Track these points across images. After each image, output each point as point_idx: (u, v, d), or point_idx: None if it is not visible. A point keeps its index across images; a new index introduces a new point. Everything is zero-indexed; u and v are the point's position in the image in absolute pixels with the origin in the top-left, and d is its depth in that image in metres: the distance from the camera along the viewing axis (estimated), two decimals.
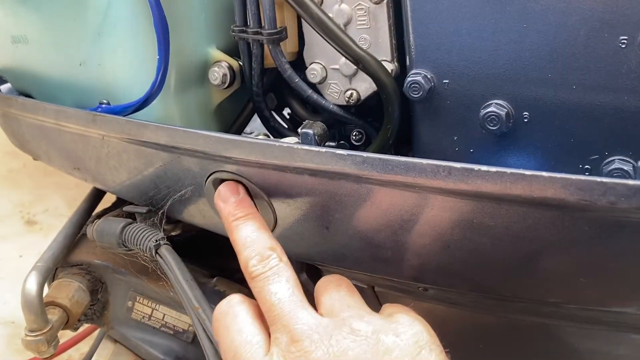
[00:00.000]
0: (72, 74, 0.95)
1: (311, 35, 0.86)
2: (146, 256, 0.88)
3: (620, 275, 0.65)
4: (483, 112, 0.74)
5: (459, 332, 1.00)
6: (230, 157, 0.75)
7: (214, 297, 1.08)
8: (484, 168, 0.59)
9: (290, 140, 0.83)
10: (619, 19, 0.64)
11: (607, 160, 0.71)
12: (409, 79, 0.76)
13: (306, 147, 0.68)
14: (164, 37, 0.82)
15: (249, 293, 1.05)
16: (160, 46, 0.83)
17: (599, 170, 0.71)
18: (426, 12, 0.74)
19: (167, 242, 0.89)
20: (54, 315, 0.97)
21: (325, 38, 0.77)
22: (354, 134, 0.92)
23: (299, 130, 0.81)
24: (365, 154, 0.65)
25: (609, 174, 0.69)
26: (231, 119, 1.00)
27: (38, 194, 2.18)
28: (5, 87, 1.28)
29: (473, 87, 0.75)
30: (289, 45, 0.88)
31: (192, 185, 0.85)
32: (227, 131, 1.00)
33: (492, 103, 0.74)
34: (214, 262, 1.15)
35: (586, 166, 0.73)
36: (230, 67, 0.90)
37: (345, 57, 0.78)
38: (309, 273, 1.03)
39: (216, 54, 0.92)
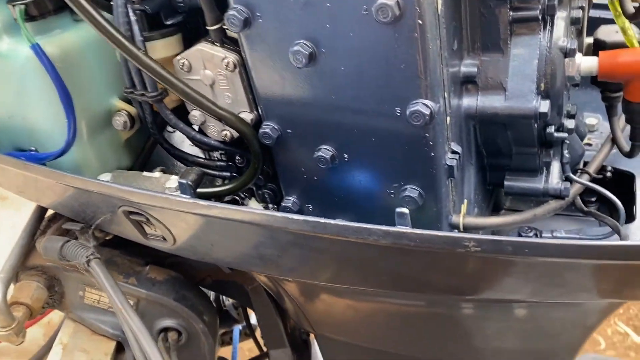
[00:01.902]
0: (7, 124, 1.15)
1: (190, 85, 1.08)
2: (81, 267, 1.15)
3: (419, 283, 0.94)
4: (315, 154, 0.99)
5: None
6: (126, 199, 1.00)
7: (147, 284, 1.36)
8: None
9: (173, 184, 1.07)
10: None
11: (402, 188, 0.97)
12: (261, 130, 1.00)
13: (174, 197, 0.93)
14: (67, 102, 1.04)
15: (178, 278, 1.34)
16: (67, 109, 1.05)
17: (399, 194, 0.98)
18: (264, 82, 0.96)
19: (97, 256, 1.15)
20: (19, 312, 1.24)
21: (191, 105, 1.00)
22: (237, 158, 1.16)
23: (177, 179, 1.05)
24: (220, 205, 0.90)
25: (403, 199, 0.96)
26: (140, 147, 1.23)
27: None
28: None
29: (307, 134, 0.99)
30: (174, 95, 1.10)
31: (109, 212, 1.10)
32: (136, 160, 1.23)
33: (321, 148, 0.99)
34: (147, 251, 1.42)
35: (390, 191, 0.99)
36: (129, 115, 1.12)
37: (210, 116, 1.01)
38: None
39: (118, 103, 1.14)
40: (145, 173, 1.11)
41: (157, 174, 1.10)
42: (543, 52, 0.94)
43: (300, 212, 1.10)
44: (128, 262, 1.37)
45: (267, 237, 0.96)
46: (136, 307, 1.36)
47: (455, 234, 0.97)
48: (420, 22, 0.79)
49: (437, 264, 0.90)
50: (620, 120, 1.16)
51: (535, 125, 0.99)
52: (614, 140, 1.17)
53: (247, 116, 1.04)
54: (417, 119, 0.86)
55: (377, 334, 1.36)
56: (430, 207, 0.97)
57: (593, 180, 1.14)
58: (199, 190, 1.10)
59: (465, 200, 1.03)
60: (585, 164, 1.20)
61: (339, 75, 0.89)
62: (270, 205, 1.22)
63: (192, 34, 1.08)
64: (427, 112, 0.85)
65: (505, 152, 1.08)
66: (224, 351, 2.15)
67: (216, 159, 1.20)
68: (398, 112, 0.89)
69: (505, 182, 1.11)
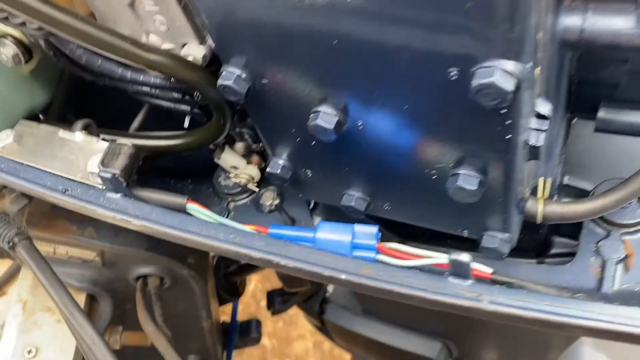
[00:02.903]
0: None
1: (100, 8, 0.66)
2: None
3: None
4: (310, 122, 0.61)
5: None
6: None
7: (108, 235, 1.07)
8: None
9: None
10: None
11: (452, 172, 0.61)
12: (220, 82, 0.61)
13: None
14: None
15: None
16: None
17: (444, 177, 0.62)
18: None
19: (24, 236, 0.84)
20: None
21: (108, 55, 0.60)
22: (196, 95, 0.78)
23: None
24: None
25: (452, 187, 0.60)
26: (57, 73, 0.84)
27: None
28: None
29: (295, 88, 0.61)
30: (79, 8, 0.68)
31: None
32: (56, 89, 0.85)
33: (319, 111, 0.60)
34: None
35: (432, 172, 0.63)
36: (19, 42, 0.72)
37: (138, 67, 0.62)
38: None
39: None
40: (61, 133, 0.74)
41: (77, 135, 0.73)
42: None
43: (295, 177, 0.75)
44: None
45: None
46: (101, 260, 1.10)
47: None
48: None
49: None
50: None
51: None
52: None
53: (196, 51, 0.64)
54: (490, 96, 0.47)
55: None
56: (493, 196, 0.62)
57: None
58: (141, 143, 0.76)
59: (543, 178, 0.67)
60: None
61: None
62: (253, 146, 0.87)
63: None
64: (509, 85, 0.46)
65: (607, 82, 0.69)
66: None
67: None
68: (454, 75, 0.49)
69: (600, 114, 0.73)
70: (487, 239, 0.68)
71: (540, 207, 0.64)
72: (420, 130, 0.58)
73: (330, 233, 0.66)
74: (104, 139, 0.71)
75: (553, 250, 0.85)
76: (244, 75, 0.61)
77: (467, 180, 0.59)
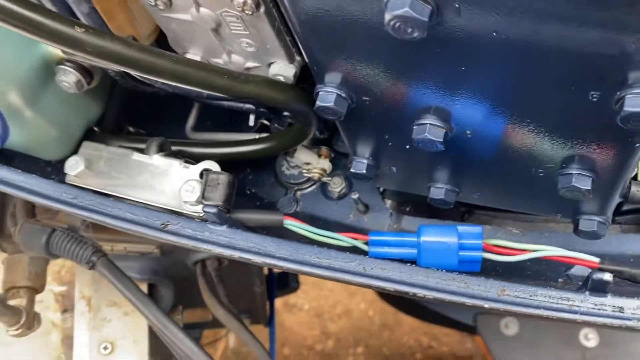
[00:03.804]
0: None
1: (176, 30, 0.61)
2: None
3: None
4: (415, 135, 0.59)
5: None
6: None
7: None
8: None
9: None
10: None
11: (563, 172, 0.60)
12: (319, 103, 0.58)
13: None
14: None
15: None
16: None
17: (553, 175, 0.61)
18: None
19: (102, 254, 0.83)
20: (21, 299, 0.98)
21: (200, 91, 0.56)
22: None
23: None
24: None
25: (562, 185, 0.60)
26: (108, 82, 0.80)
27: None
28: None
29: (400, 104, 0.58)
30: (143, 27, 0.63)
31: None
32: (107, 102, 0.81)
33: (425, 123, 0.58)
34: None
35: (539, 170, 0.62)
36: (81, 68, 0.67)
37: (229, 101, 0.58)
38: None
39: (54, 50, 0.67)
40: (135, 156, 0.71)
41: (156, 158, 0.70)
42: None
43: (377, 173, 0.74)
44: None
45: None
46: (160, 251, 1.09)
47: None
48: None
49: None
50: None
51: None
52: None
53: (286, 71, 0.60)
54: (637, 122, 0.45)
55: None
56: (599, 188, 0.62)
57: None
58: (223, 151, 0.74)
59: None
60: None
61: None
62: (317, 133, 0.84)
63: None
64: None
65: None
66: None
67: None
68: (594, 98, 0.47)
69: None
70: (584, 222, 0.68)
71: None
72: (538, 135, 0.56)
73: (434, 236, 0.66)
74: (186, 162, 0.68)
75: (624, 208, 0.87)
76: (343, 95, 0.58)
77: (581, 180, 0.58)
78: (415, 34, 0.43)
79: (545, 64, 0.45)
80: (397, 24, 0.43)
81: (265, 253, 0.58)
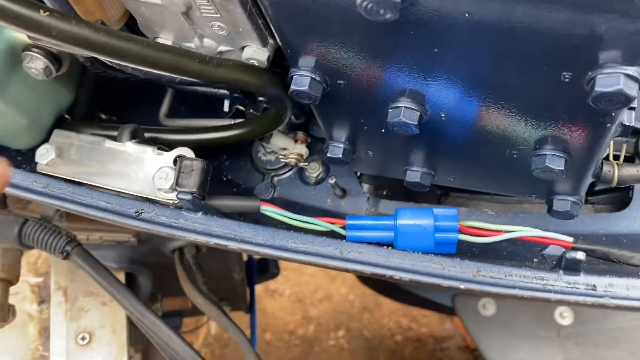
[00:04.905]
0: None
1: (145, 14, 0.59)
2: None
3: None
4: (390, 117, 0.59)
5: None
6: None
7: None
8: None
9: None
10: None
11: (536, 153, 0.61)
12: (293, 87, 0.57)
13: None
14: None
15: None
16: None
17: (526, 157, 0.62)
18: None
19: (76, 243, 0.82)
20: None
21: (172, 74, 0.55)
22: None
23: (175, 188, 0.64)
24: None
25: (536, 166, 0.60)
26: (79, 69, 0.78)
27: None
28: None
29: (375, 86, 0.57)
30: (112, 11, 0.62)
31: None
32: (79, 87, 0.79)
33: (400, 106, 0.58)
34: None
35: (513, 152, 0.63)
36: (49, 54, 0.65)
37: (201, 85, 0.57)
38: None
39: (20, 35, 0.65)
40: (108, 143, 0.70)
41: (129, 145, 0.69)
42: None
43: (354, 158, 0.74)
44: None
45: None
46: (137, 239, 1.08)
47: None
48: None
49: None
50: None
51: None
52: None
53: (259, 54, 0.59)
54: (611, 102, 0.46)
55: None
56: (571, 169, 0.62)
57: None
58: (196, 138, 0.73)
59: (625, 145, 0.67)
60: None
61: None
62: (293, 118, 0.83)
63: None
64: (634, 92, 0.45)
65: None
66: None
67: None
68: (566, 79, 0.48)
69: None
70: (558, 202, 0.69)
71: (616, 172, 0.66)
72: (512, 116, 0.56)
73: (410, 219, 0.66)
74: (159, 148, 0.67)
75: (597, 188, 0.88)
76: (317, 78, 0.57)
77: (554, 160, 0.59)
78: (388, 15, 0.42)
79: (517, 46, 0.45)
80: (369, 5, 0.42)
81: (242, 239, 0.58)
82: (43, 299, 1.25)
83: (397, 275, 0.54)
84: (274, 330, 2.65)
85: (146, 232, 0.62)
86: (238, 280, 1.41)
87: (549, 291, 0.52)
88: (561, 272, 0.54)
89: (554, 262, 0.66)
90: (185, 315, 1.39)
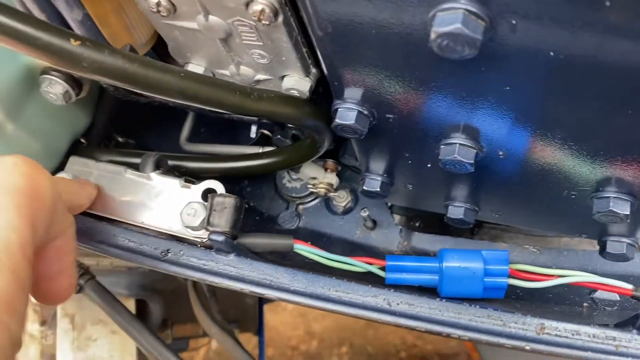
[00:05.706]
0: None
1: (179, 39, 0.55)
2: None
3: None
4: (442, 156, 0.54)
5: None
6: None
7: None
8: None
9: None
10: None
11: (598, 195, 0.56)
12: (337, 121, 0.52)
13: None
14: None
15: None
16: None
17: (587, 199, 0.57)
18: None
19: (90, 276, 0.77)
20: None
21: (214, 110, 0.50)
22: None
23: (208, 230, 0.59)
24: None
25: (598, 209, 0.55)
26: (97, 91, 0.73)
27: None
28: None
29: (427, 123, 0.53)
30: (140, 34, 0.57)
31: None
32: (95, 111, 0.74)
33: (454, 143, 0.53)
34: None
35: (572, 193, 0.58)
36: (69, 78, 0.60)
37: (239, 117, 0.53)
38: None
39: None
40: (129, 173, 0.65)
41: (153, 177, 0.64)
42: None
43: (389, 189, 0.69)
44: None
45: None
46: None
47: None
48: None
49: None
50: None
51: None
52: None
53: (301, 85, 0.55)
54: None
55: None
56: (636, 212, 0.57)
57: None
58: (228, 166, 0.68)
59: None
60: None
61: None
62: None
63: None
64: None
65: None
66: None
67: None
68: None
69: None
70: (612, 244, 0.64)
71: None
72: (579, 157, 0.52)
73: (458, 262, 0.61)
74: (187, 180, 0.62)
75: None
76: (365, 112, 0.53)
77: (619, 203, 0.54)
78: (466, 53, 0.38)
79: (604, 85, 0.41)
80: (445, 42, 0.38)
81: (279, 287, 0.53)
82: (45, 319, 1.20)
83: (455, 333, 0.49)
84: (277, 346, 2.60)
85: (174, 274, 0.56)
86: (250, 305, 1.37)
87: (623, 355, 0.47)
88: (634, 331, 0.49)
89: (607, 308, 0.61)
90: (192, 337, 1.34)
